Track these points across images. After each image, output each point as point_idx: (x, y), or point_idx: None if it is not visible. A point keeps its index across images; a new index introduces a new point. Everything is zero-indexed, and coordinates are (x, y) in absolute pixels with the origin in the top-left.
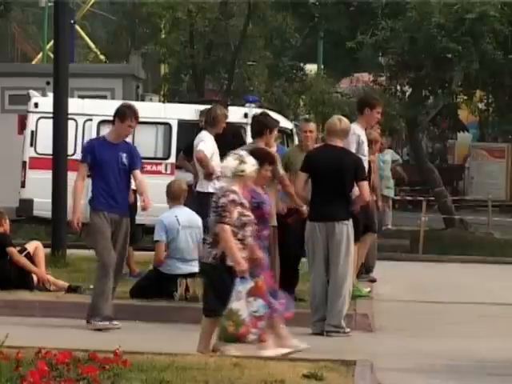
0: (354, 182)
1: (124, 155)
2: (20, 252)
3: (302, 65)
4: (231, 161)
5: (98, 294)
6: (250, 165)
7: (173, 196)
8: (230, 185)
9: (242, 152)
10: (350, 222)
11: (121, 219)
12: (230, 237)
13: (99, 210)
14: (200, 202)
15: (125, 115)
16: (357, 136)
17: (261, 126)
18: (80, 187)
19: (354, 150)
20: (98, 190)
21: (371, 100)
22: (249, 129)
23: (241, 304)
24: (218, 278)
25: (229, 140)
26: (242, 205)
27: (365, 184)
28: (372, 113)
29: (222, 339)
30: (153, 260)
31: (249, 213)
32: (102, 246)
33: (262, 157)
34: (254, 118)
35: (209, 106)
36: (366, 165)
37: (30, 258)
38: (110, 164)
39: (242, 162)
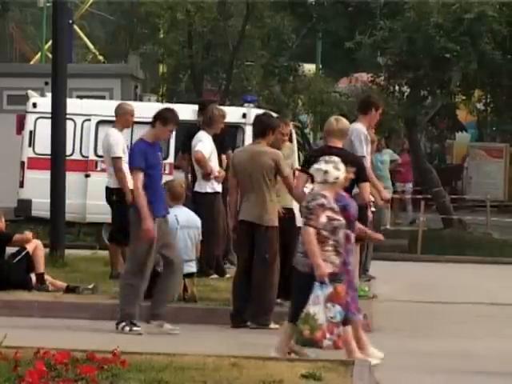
0: (354, 184)
1: (160, 155)
2: (19, 252)
3: (298, 65)
4: (331, 168)
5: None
6: (342, 171)
7: (174, 196)
8: (321, 189)
9: (335, 158)
10: None
11: (166, 220)
12: (312, 240)
13: (155, 217)
14: (198, 203)
15: (167, 119)
16: (364, 135)
17: (264, 126)
18: (143, 194)
19: (364, 148)
20: (153, 195)
21: (376, 100)
22: (247, 129)
23: (318, 309)
24: (310, 287)
25: (221, 141)
26: (332, 209)
27: (366, 185)
28: (376, 113)
29: (297, 342)
30: None
31: (339, 217)
32: (149, 258)
33: (345, 160)
34: (257, 117)
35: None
36: (368, 164)
37: (30, 257)
38: (157, 166)
39: (336, 168)
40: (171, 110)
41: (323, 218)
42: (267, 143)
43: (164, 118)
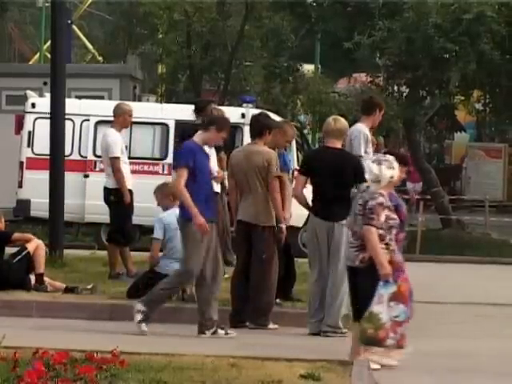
0: (353, 184)
1: (210, 162)
2: (20, 252)
3: (298, 66)
4: (385, 169)
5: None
6: (397, 170)
7: (173, 196)
8: (377, 188)
9: (388, 157)
10: None
11: (212, 227)
12: (376, 239)
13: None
14: None
15: (223, 126)
16: (364, 135)
17: (261, 126)
18: (186, 192)
19: (362, 147)
20: (200, 199)
21: (380, 101)
22: (246, 129)
23: (382, 308)
24: (368, 282)
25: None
26: (388, 208)
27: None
28: (380, 114)
29: (361, 341)
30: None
31: (395, 216)
32: (198, 259)
33: (398, 159)
34: (254, 117)
35: None
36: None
37: (30, 257)
38: (206, 170)
39: (391, 167)
40: (226, 118)
41: (383, 217)
42: (264, 143)
43: (220, 124)
